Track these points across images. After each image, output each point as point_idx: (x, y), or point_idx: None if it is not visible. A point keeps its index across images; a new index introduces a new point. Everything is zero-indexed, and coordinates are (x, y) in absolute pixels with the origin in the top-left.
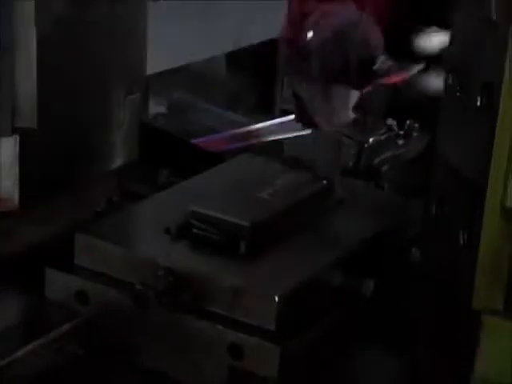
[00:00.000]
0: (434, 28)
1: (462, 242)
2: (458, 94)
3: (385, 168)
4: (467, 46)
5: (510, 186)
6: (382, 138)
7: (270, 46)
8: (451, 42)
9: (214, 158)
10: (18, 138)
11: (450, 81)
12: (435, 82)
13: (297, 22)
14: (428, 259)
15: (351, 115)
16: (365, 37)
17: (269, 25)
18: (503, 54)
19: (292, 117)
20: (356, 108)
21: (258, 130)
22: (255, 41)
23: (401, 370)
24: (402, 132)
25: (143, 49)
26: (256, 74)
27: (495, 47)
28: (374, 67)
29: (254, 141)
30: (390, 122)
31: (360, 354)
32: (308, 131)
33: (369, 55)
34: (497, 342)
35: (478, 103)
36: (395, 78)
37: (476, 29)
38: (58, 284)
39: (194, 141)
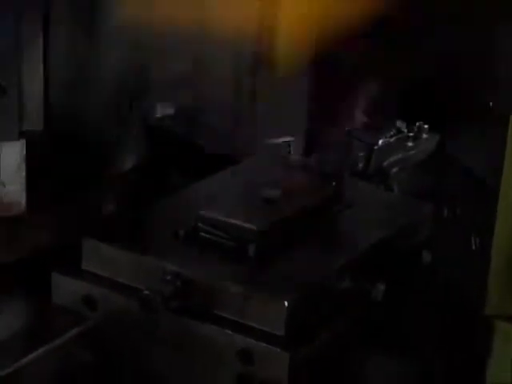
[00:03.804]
0: None
1: (474, 246)
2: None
3: (394, 170)
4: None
5: None
6: (392, 139)
7: None
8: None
9: (223, 161)
10: (24, 142)
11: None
12: None
13: None
14: (439, 262)
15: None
16: None
17: None
18: None
19: None
20: (366, 111)
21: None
22: None
23: (414, 375)
24: (411, 134)
25: (153, 51)
26: None
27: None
28: None
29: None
30: (400, 123)
31: (371, 358)
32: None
33: None
34: (510, 348)
35: (491, 104)
36: None
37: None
38: (65, 289)
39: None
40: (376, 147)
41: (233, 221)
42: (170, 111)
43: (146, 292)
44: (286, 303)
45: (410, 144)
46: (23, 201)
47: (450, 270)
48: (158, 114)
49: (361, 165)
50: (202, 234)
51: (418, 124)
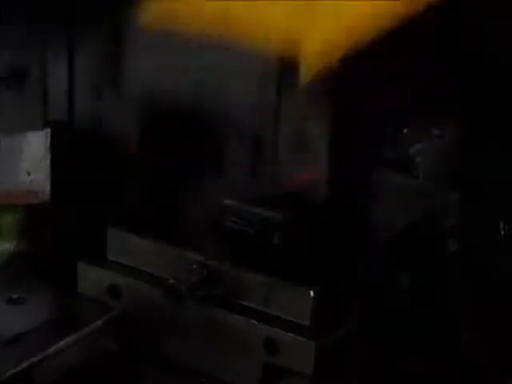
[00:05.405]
0: None
1: (502, 232)
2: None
3: (420, 157)
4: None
5: None
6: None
7: None
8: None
9: None
10: (49, 131)
11: None
12: None
13: None
14: (466, 250)
15: None
16: None
17: None
18: None
19: None
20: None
21: None
22: None
23: (441, 363)
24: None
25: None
26: None
27: None
28: None
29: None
30: None
31: (398, 346)
32: None
33: None
34: None
35: None
36: None
37: None
38: (91, 278)
39: None
40: (401, 134)
41: (257, 209)
42: None
43: (172, 281)
44: (311, 293)
45: (436, 131)
46: (48, 189)
47: (478, 257)
48: None
49: (386, 152)
50: (227, 222)
51: None
